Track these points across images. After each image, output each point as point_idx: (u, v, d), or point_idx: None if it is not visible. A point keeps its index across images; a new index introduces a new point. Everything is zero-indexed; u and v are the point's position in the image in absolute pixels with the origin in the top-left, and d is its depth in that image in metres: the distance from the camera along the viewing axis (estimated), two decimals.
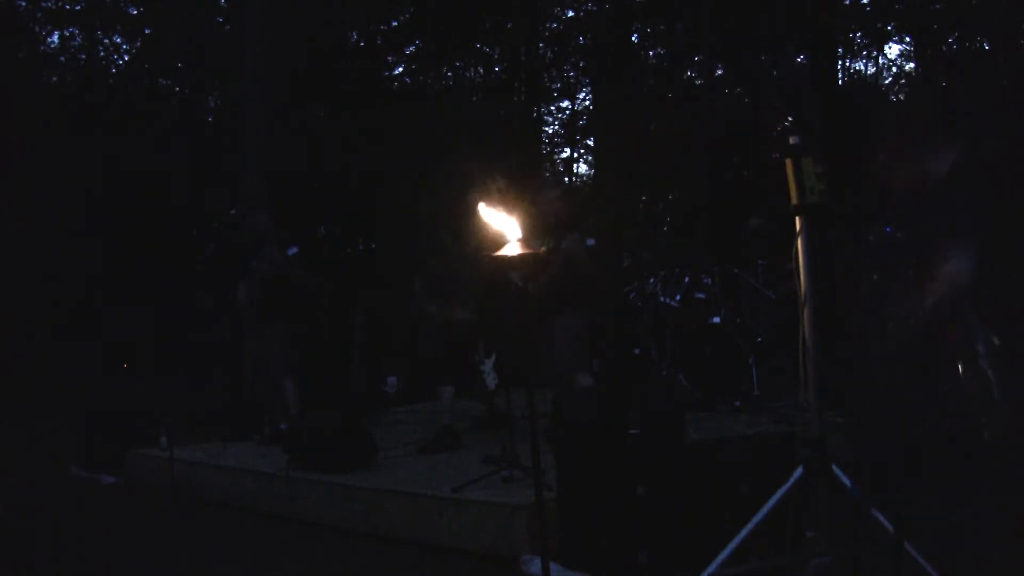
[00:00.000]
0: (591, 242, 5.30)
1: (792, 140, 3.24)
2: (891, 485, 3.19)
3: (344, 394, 8.91)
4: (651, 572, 3.34)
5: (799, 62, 12.91)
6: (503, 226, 3.05)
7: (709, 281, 6.64)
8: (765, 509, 3.10)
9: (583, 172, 18.62)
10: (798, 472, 3.09)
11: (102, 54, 14.59)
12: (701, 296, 6.56)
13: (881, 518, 2.87)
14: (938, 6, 12.65)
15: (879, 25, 13.53)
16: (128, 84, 14.07)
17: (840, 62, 13.91)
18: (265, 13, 9.23)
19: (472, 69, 16.02)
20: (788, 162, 3.18)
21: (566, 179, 17.22)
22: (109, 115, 12.72)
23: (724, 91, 13.94)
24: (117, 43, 14.61)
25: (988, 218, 3.18)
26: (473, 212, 5.06)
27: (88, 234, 12.02)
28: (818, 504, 3.13)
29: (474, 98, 15.58)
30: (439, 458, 5.34)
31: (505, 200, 3.34)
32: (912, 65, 14.69)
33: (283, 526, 4.93)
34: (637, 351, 6.62)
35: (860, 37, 14.22)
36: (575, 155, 18.48)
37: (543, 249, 5.06)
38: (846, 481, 3.02)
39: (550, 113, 17.43)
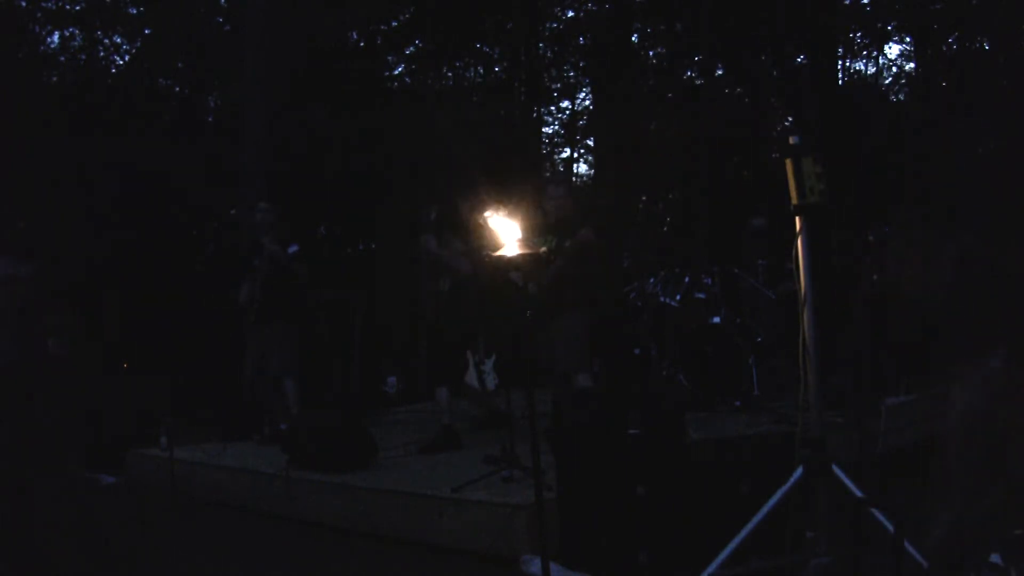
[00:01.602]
0: None
1: (792, 140, 3.24)
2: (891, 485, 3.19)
3: (344, 394, 8.91)
4: (651, 572, 3.34)
5: (799, 62, 12.92)
6: (505, 228, 3.04)
7: (709, 281, 6.64)
8: (765, 509, 3.10)
9: (583, 172, 18.64)
10: (798, 472, 3.09)
11: (102, 54, 14.59)
12: (701, 296, 6.56)
13: (881, 518, 2.87)
14: (938, 6, 12.66)
15: (879, 25, 13.53)
16: (128, 84, 14.07)
17: (840, 62, 13.92)
18: (265, 13, 9.22)
19: (472, 69, 16.03)
20: (788, 162, 3.18)
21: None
22: (109, 115, 12.72)
23: (724, 91, 13.94)
24: (117, 43, 14.61)
25: (988, 218, 3.18)
26: (477, 215, 5.06)
27: (88, 234, 12.02)
28: (818, 504, 3.13)
29: (474, 98, 15.58)
30: (439, 458, 5.34)
31: (507, 201, 3.34)
32: (912, 65, 14.70)
33: (283, 526, 4.93)
34: (637, 351, 6.62)
35: (860, 37, 14.22)
36: (575, 155, 18.49)
37: (543, 249, 5.06)
38: (846, 481, 3.02)
39: (550, 113, 17.43)
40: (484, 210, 4.59)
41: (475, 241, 5.38)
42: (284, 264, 6.48)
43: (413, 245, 6.15)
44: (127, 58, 14.57)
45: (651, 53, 15.52)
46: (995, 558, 2.66)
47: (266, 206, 6.79)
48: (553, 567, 3.18)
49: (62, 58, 14.34)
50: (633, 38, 14.56)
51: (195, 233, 13.06)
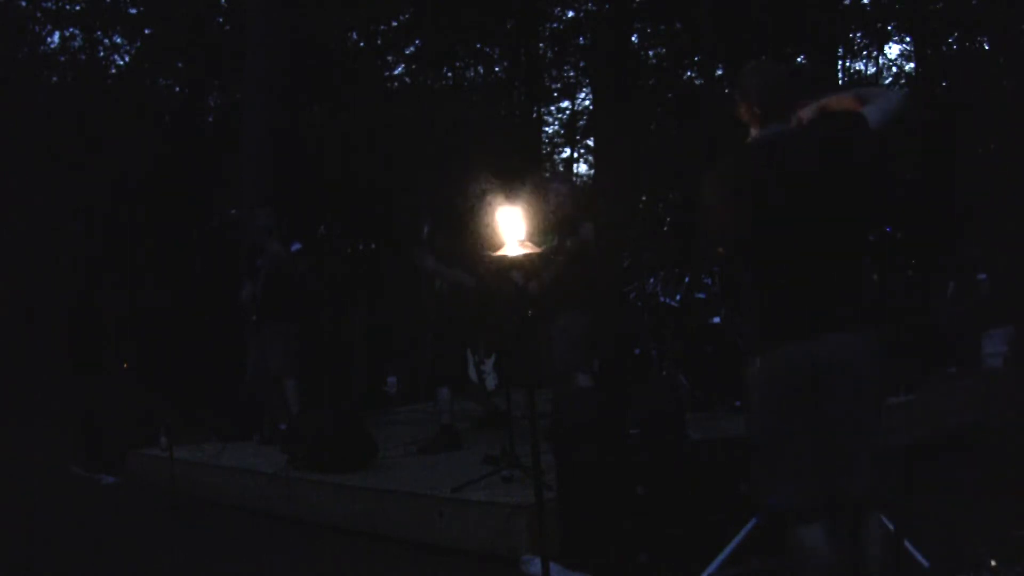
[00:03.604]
0: None
1: None
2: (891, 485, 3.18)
3: (344, 394, 8.91)
4: (651, 572, 3.34)
5: (799, 62, 12.91)
6: (508, 226, 3.03)
7: (709, 281, 6.63)
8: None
9: (583, 172, 18.65)
10: None
11: (102, 54, 14.59)
12: (701, 296, 6.55)
13: (881, 518, 2.87)
14: (938, 6, 12.66)
15: (879, 25, 13.54)
16: (128, 84, 14.08)
17: (840, 62, 13.93)
18: (265, 13, 9.22)
19: (472, 69, 16.03)
20: None
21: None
22: (109, 115, 12.73)
23: (724, 91, 13.94)
24: (117, 43, 14.61)
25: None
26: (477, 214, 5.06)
27: (89, 234, 12.02)
28: None
29: (474, 98, 15.59)
30: (439, 458, 5.33)
31: (508, 199, 3.32)
32: (912, 65, 14.70)
33: (283, 526, 4.93)
34: (637, 351, 6.61)
35: (860, 37, 14.23)
36: (575, 155, 18.50)
37: (545, 248, 5.05)
38: None
39: (550, 113, 17.45)
40: (486, 208, 4.58)
41: (473, 245, 5.37)
42: (287, 263, 6.47)
43: (412, 251, 6.12)
44: (127, 58, 14.58)
45: (651, 53, 15.53)
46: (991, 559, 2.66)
47: (264, 210, 6.81)
48: (553, 567, 3.18)
49: (62, 58, 14.34)
50: (633, 38, 14.57)
51: (195, 233, 13.05)
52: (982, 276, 7.01)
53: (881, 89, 2.73)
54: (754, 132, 2.58)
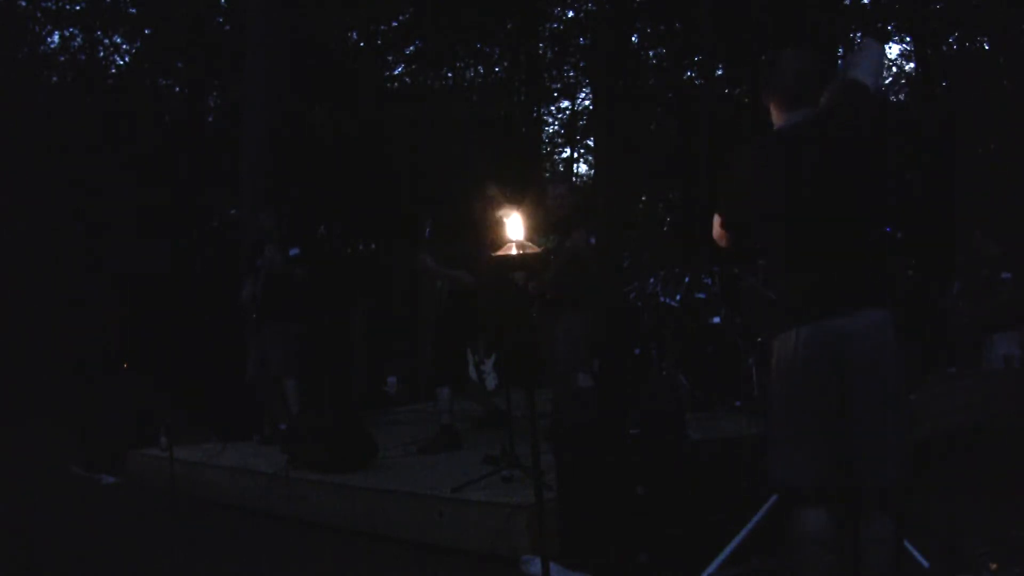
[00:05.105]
0: (592, 240, 5.30)
1: None
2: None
3: (344, 394, 8.90)
4: (651, 572, 3.34)
5: None
6: (508, 226, 3.03)
7: (709, 281, 6.63)
8: (765, 508, 3.11)
9: (583, 172, 18.67)
10: None
11: (102, 54, 14.60)
12: (701, 296, 6.55)
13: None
14: (938, 6, 12.67)
15: (879, 25, 13.55)
16: (128, 84, 14.09)
17: (840, 62, 13.91)
18: (265, 13, 9.22)
19: (472, 69, 16.04)
20: None
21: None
22: (108, 115, 12.73)
23: (724, 91, 13.95)
24: (117, 43, 14.62)
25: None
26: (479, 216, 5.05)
27: (89, 234, 12.02)
28: None
29: (474, 98, 15.60)
30: (439, 458, 5.33)
31: (507, 201, 3.33)
32: (912, 65, 14.72)
33: (283, 526, 4.93)
34: (637, 351, 6.61)
35: (860, 37, 14.22)
36: (575, 155, 18.52)
37: (545, 248, 5.05)
38: None
39: (550, 113, 17.46)
40: (486, 210, 4.57)
41: (474, 245, 5.37)
42: (282, 271, 6.47)
43: (412, 254, 6.12)
44: (127, 58, 14.58)
45: (651, 53, 15.54)
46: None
47: (265, 211, 6.81)
48: (553, 567, 3.18)
49: (62, 58, 14.35)
50: (633, 38, 14.57)
51: (195, 233, 13.06)
52: (1006, 275, 6.93)
53: (857, 52, 2.74)
54: (782, 119, 2.59)
